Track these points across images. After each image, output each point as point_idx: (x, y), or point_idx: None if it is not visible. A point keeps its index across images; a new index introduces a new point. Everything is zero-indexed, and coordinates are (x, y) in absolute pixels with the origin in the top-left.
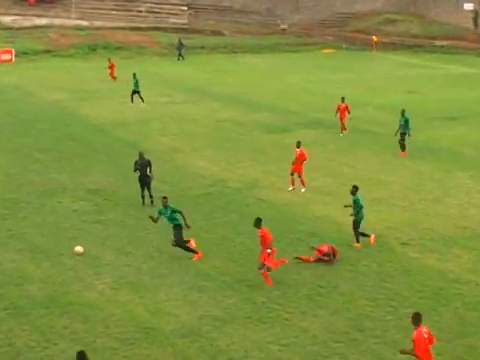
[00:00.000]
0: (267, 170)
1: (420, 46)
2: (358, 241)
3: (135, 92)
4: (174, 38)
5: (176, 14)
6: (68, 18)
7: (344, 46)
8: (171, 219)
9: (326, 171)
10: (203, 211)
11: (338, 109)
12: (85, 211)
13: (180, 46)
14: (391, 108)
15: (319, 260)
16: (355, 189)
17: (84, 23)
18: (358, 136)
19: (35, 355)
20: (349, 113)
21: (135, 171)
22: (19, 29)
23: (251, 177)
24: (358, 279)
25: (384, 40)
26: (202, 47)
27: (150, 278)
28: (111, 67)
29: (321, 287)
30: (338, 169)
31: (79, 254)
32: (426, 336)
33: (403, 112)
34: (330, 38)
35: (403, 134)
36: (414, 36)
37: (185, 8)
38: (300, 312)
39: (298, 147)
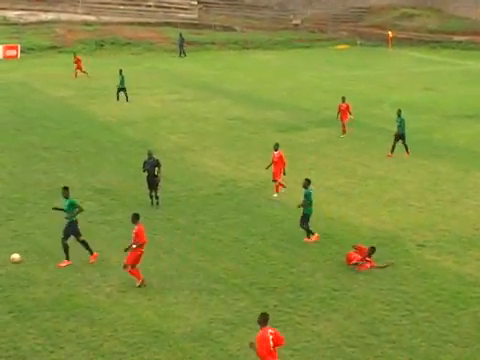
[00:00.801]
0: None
1: (438, 42)
2: (309, 236)
3: (121, 89)
4: (184, 33)
5: (186, 9)
6: (75, 13)
7: (359, 42)
8: (68, 210)
9: (340, 171)
10: (213, 212)
11: (339, 109)
12: (92, 211)
13: (181, 41)
14: (408, 106)
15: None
16: (307, 182)
17: (91, 18)
18: (373, 134)
19: (41, 359)
20: (350, 114)
21: (144, 171)
22: (25, 24)
23: (263, 177)
24: (373, 282)
25: (400, 35)
26: (212, 43)
27: (159, 280)
28: (77, 62)
29: (335, 290)
30: (352, 168)
31: (16, 262)
32: (271, 337)
33: (399, 112)
34: (344, 33)
35: (403, 135)
36: (431, 31)
37: (195, 2)
38: (313, 316)
39: (276, 150)
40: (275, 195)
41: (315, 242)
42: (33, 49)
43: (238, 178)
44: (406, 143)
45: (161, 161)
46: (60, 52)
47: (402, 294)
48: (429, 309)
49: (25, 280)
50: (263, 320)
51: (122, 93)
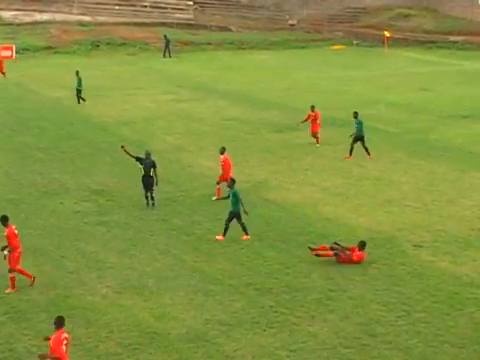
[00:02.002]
0: (275, 170)
1: (433, 42)
2: (247, 233)
3: (78, 91)
4: (180, 34)
5: (181, 9)
6: (70, 13)
7: (355, 42)
8: None
9: (336, 171)
10: (209, 212)
11: (308, 118)
12: (88, 212)
13: (167, 42)
14: (403, 106)
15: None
16: (233, 182)
17: (87, 18)
18: (369, 135)
19: None
20: (315, 122)
21: (132, 157)
22: (20, 25)
23: (259, 177)
24: (369, 283)
25: (396, 36)
26: (208, 43)
27: (155, 281)
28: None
29: (331, 291)
30: (348, 169)
31: None
32: (65, 342)
33: (356, 115)
34: (340, 34)
35: (362, 137)
36: (427, 32)
37: (191, 3)
38: (309, 316)
39: (222, 153)
40: (214, 198)
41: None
42: (28, 50)
43: (234, 178)
44: (365, 145)
45: (157, 162)
46: (55, 53)
47: (398, 295)
48: (425, 310)
49: (20, 281)
50: (58, 325)
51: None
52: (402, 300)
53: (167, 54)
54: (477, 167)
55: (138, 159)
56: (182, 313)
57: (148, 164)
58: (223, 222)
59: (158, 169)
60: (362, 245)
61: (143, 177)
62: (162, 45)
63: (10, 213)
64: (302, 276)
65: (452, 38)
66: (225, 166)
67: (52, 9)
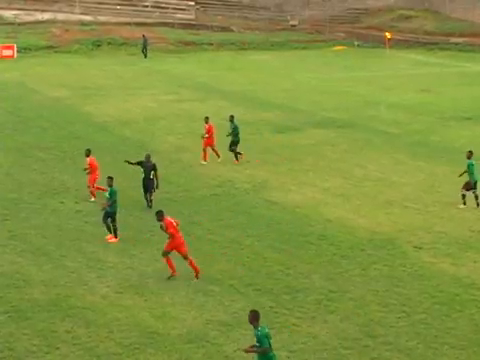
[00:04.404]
0: (276, 171)
1: (435, 43)
2: (115, 235)
3: None
4: (181, 34)
5: (183, 9)
6: (72, 13)
7: (356, 43)
8: None
9: (337, 172)
10: (210, 212)
11: (207, 132)
12: (88, 212)
13: (145, 42)
14: (405, 107)
15: None
16: (111, 180)
17: (88, 18)
18: (370, 136)
19: None
20: (207, 135)
21: (134, 164)
22: (21, 24)
23: (260, 178)
24: (369, 284)
25: (397, 37)
26: (210, 43)
27: (155, 281)
28: None
29: (331, 292)
30: (349, 170)
31: None
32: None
33: (232, 118)
34: (341, 35)
35: (236, 142)
36: (429, 33)
37: (192, 3)
38: (309, 317)
39: (87, 156)
40: (92, 199)
41: (112, 242)
42: (29, 49)
43: (235, 179)
44: (237, 150)
45: (158, 162)
46: (57, 52)
47: (398, 296)
48: (426, 311)
49: (21, 280)
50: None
51: None
52: (402, 301)
53: (145, 54)
54: (478, 169)
55: (139, 163)
56: (182, 313)
57: (149, 167)
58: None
59: (158, 172)
60: None
61: (143, 179)
62: (141, 46)
63: (10, 212)
64: (302, 277)
65: (453, 40)
66: (92, 167)
67: (53, 8)
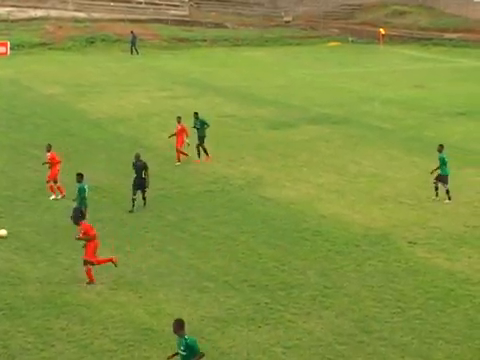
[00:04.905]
0: (270, 167)
1: (429, 39)
2: None
3: None
4: (175, 30)
5: (176, 6)
6: (65, 10)
7: (350, 39)
8: None
9: (331, 168)
10: (204, 209)
11: (178, 132)
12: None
13: (133, 39)
14: (399, 103)
15: None
16: (80, 177)
17: (82, 15)
18: (364, 132)
19: (31, 357)
20: (187, 137)
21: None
22: (14, 21)
23: (254, 174)
24: (364, 279)
25: (392, 33)
26: (203, 40)
27: (149, 278)
28: None
29: (326, 287)
30: (343, 166)
31: (2, 237)
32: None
33: (197, 115)
34: (335, 31)
35: (202, 137)
36: (423, 29)
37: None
38: (304, 313)
39: (48, 151)
40: (52, 197)
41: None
42: (23, 46)
43: (229, 175)
44: (202, 147)
45: (152, 159)
46: (50, 49)
47: (393, 291)
48: (420, 306)
49: (15, 278)
50: None
51: None
52: (397, 297)
53: (134, 51)
54: (472, 164)
55: (133, 166)
56: (177, 310)
57: (139, 166)
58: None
59: (150, 170)
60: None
61: (135, 179)
62: (129, 43)
63: (5, 209)
64: (297, 273)
65: (448, 35)
66: (53, 161)
67: (47, 5)
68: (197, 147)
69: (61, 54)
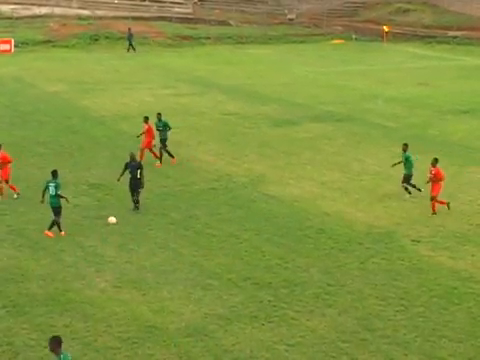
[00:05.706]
0: (274, 165)
1: (433, 37)
2: (60, 229)
3: None
4: (179, 28)
5: (180, 3)
6: (69, 7)
7: (354, 37)
8: None
9: (334, 166)
10: (208, 207)
11: (145, 132)
12: (86, 206)
13: (130, 36)
14: (402, 101)
15: None
16: (56, 173)
17: (86, 12)
18: (368, 129)
19: (35, 354)
20: (153, 139)
21: (123, 173)
22: (19, 18)
23: (257, 172)
24: (367, 277)
25: (395, 30)
26: (207, 37)
27: (153, 275)
28: None
29: (329, 285)
30: (347, 163)
31: (112, 223)
32: None
33: (159, 116)
34: (339, 28)
35: (164, 140)
36: (426, 26)
37: None
38: (307, 311)
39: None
40: (15, 196)
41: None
42: (27, 43)
43: (233, 173)
44: (165, 150)
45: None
46: (54, 46)
47: (397, 289)
48: (424, 304)
49: (19, 275)
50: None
51: None
52: (400, 295)
53: (131, 48)
54: (476, 162)
55: (125, 167)
56: (180, 307)
57: (134, 167)
58: (217, 217)
59: (144, 171)
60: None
61: (130, 180)
62: (126, 41)
63: (9, 207)
64: (301, 271)
65: (451, 33)
66: (4, 160)
67: (51, 3)
68: (160, 150)
69: (65, 51)
